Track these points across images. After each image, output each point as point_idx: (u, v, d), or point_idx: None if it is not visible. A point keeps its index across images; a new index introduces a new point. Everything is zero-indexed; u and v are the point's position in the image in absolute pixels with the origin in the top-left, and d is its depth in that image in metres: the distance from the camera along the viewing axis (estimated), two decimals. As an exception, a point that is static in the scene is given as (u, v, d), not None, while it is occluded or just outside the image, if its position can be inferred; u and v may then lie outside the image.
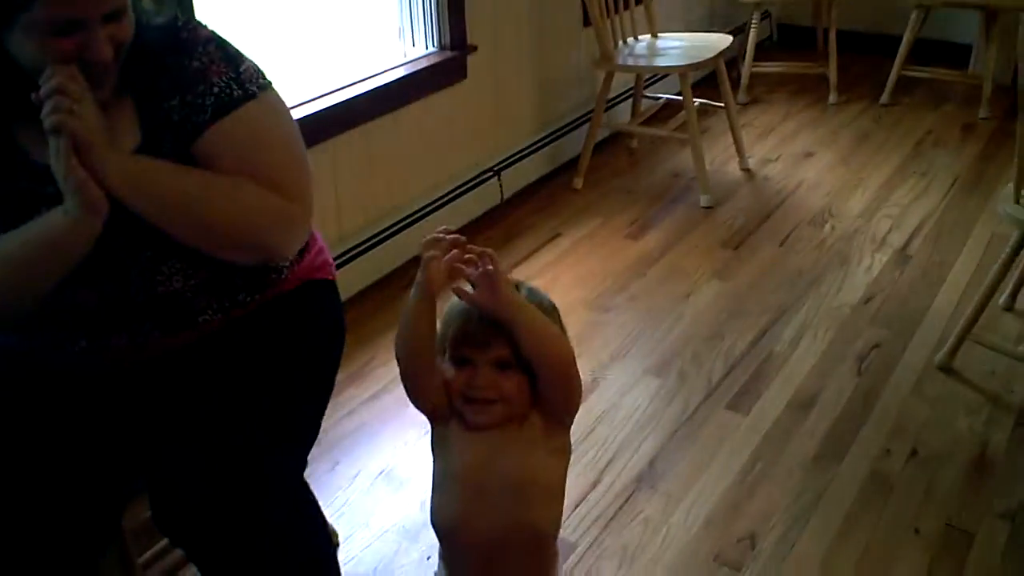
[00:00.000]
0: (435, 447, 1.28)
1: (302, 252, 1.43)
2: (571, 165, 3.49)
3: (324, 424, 2.17)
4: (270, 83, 1.34)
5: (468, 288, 1.17)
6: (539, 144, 3.42)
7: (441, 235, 1.19)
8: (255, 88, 1.30)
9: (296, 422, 1.35)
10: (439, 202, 2.99)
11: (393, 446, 2.17)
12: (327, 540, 1.40)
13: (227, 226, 1.25)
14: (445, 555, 1.34)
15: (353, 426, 2.24)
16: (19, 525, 1.20)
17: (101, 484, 1.28)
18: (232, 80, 1.28)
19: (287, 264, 1.39)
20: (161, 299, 1.27)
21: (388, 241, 2.79)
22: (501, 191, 3.24)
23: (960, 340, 2.32)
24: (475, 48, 2.96)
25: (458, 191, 3.07)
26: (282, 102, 1.36)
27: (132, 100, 1.26)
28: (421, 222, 2.88)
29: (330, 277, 1.51)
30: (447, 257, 1.16)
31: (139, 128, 1.26)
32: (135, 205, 1.18)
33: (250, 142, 1.29)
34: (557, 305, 1.29)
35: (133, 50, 1.23)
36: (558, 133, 3.50)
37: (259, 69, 1.33)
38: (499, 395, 1.19)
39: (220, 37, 1.32)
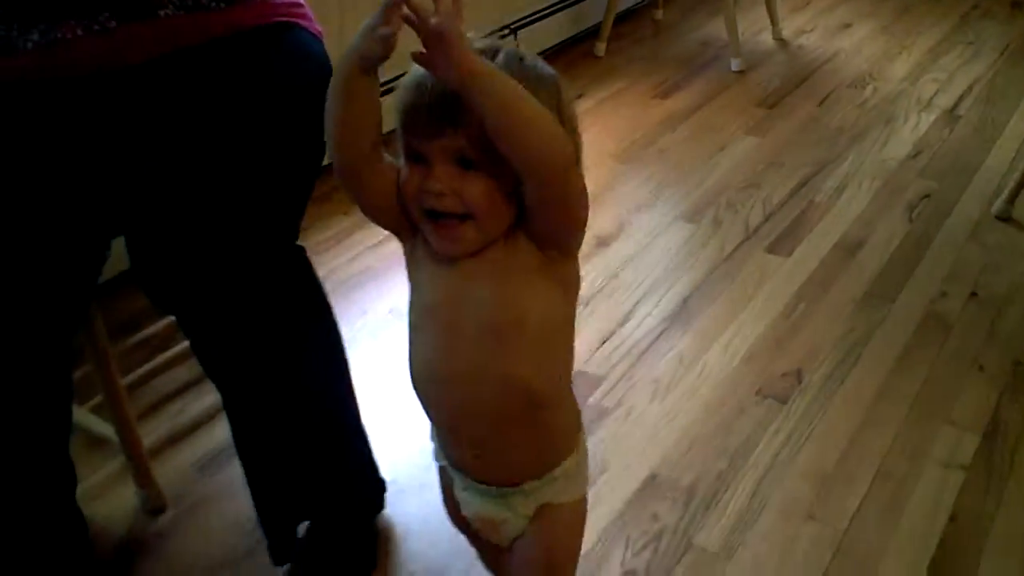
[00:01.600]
0: (409, 273, 0.95)
1: None
2: (593, 32, 3.26)
3: (331, 265, 2.06)
4: None
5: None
6: (560, 5, 3.19)
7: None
8: None
9: (286, 178, 1.17)
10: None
11: (402, 288, 1.99)
12: (324, 301, 1.25)
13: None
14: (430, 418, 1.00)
15: (359, 269, 2.06)
16: None
17: (66, 235, 1.10)
18: None
19: None
20: None
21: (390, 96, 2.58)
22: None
23: (1019, 188, 2.13)
24: None
25: (473, 49, 2.85)
26: None
27: None
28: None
29: (316, 31, 1.28)
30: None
31: None
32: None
33: None
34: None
35: None
36: (580, -4, 3.27)
37: None
38: (461, 204, 0.83)
39: None
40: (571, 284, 0.91)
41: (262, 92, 1.14)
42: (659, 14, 3.51)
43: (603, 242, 2.12)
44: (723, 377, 1.69)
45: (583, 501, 1.02)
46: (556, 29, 3.19)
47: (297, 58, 1.18)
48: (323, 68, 1.18)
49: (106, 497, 1.49)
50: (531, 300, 0.87)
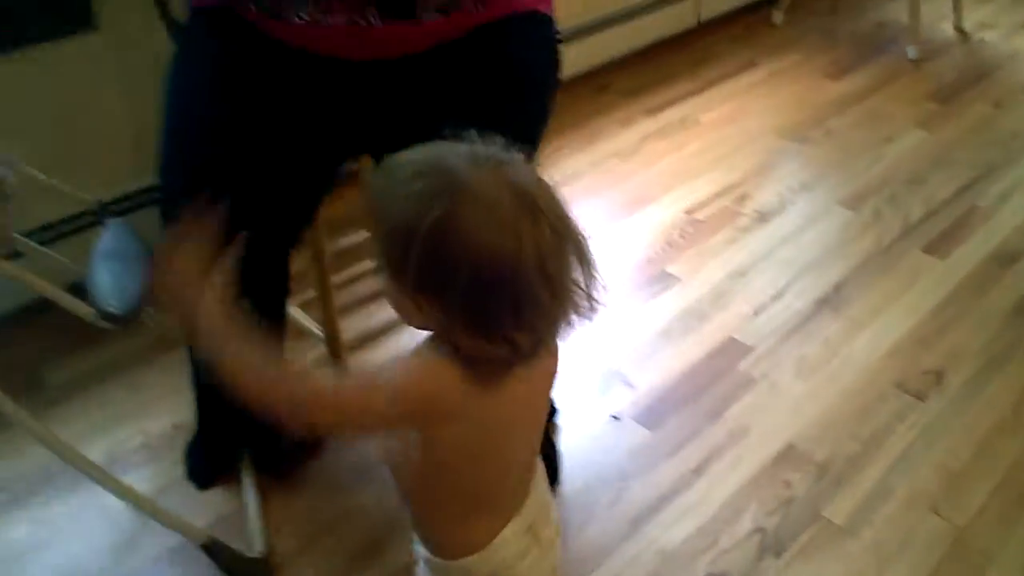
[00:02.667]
0: None
1: None
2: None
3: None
4: None
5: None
6: (743, -30, 3.22)
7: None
8: None
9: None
10: (626, 15, 2.84)
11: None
12: None
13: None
14: None
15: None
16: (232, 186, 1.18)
17: (308, 165, 1.26)
18: None
19: None
20: None
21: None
22: (699, 14, 3.07)
23: None
24: None
25: (651, 6, 2.92)
26: None
27: None
28: (606, 31, 2.76)
29: (550, 12, 1.42)
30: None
31: None
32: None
33: None
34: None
35: None
36: (764, -37, 3.28)
37: None
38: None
39: None
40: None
41: (508, 80, 1.27)
42: (840, -12, 3.49)
43: (763, 217, 2.20)
44: (866, 366, 1.78)
45: None
46: (739, -7, 3.22)
47: (537, 45, 1.32)
48: (556, 51, 1.33)
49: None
50: None
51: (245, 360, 0.80)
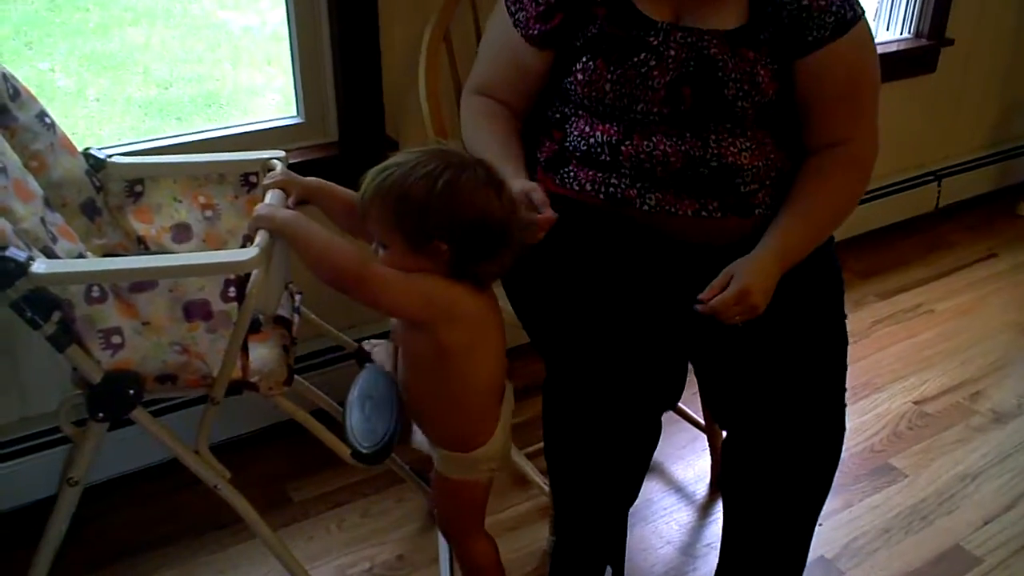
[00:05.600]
0: None
1: None
2: (1018, 189, 3.20)
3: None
4: (863, 9, 1.40)
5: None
6: (989, 159, 3.17)
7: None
8: (860, 10, 1.38)
9: (842, 359, 1.39)
10: (867, 195, 2.87)
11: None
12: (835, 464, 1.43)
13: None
14: None
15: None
16: (589, 374, 1.33)
17: (664, 328, 1.36)
18: (845, 1, 1.35)
19: None
20: (728, 170, 1.35)
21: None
22: (937, 198, 3.05)
23: None
24: (951, 42, 2.79)
25: (891, 188, 2.93)
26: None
27: None
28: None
29: None
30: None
31: (747, 10, 1.36)
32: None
33: (856, 65, 1.39)
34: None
35: None
36: (1012, 152, 3.22)
37: None
38: None
39: None
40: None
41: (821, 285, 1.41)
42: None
43: (999, 418, 2.12)
44: (1112, 596, 1.65)
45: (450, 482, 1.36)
46: (979, 181, 3.17)
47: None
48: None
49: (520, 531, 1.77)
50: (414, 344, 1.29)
51: (332, 243, 1.17)
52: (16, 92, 1.32)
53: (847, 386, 1.38)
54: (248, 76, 4.40)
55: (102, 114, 3.96)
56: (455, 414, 1.31)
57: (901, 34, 2.79)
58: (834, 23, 1.34)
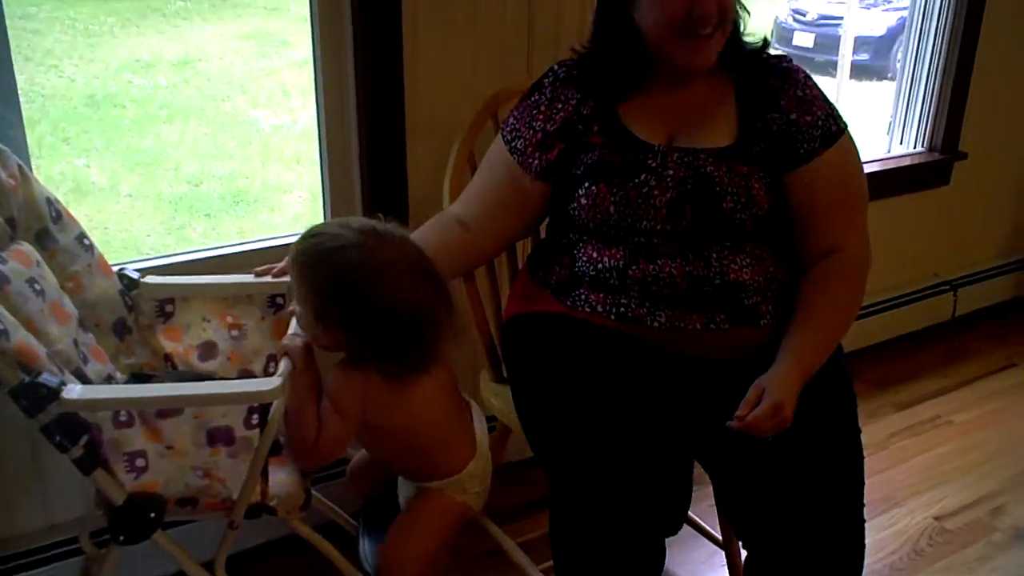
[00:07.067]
0: None
1: None
2: (1036, 298, 3.22)
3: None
4: (847, 123, 1.48)
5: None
6: (1006, 268, 3.19)
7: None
8: (844, 124, 1.46)
9: (859, 473, 1.40)
10: (882, 304, 2.89)
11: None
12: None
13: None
14: None
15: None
16: (600, 487, 1.33)
17: (670, 446, 1.37)
18: (829, 115, 1.45)
19: None
20: (731, 288, 1.40)
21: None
22: (954, 308, 3.06)
23: None
24: (964, 155, 2.84)
25: (906, 298, 2.95)
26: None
27: (734, 100, 1.45)
28: (859, 319, 2.79)
29: None
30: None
31: (736, 126, 1.43)
32: None
33: (844, 174, 1.46)
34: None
35: (735, 57, 1.44)
36: (1029, 261, 3.25)
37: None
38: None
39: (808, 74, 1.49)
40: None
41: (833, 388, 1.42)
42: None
43: (1021, 535, 2.09)
44: None
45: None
46: (995, 290, 3.19)
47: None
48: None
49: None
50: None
51: (306, 413, 1.29)
52: (58, 215, 1.38)
53: (865, 501, 1.39)
54: (277, 173, 4.53)
55: (134, 210, 4.08)
56: (423, 458, 1.41)
57: (915, 148, 2.84)
58: (821, 135, 1.43)
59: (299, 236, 1.29)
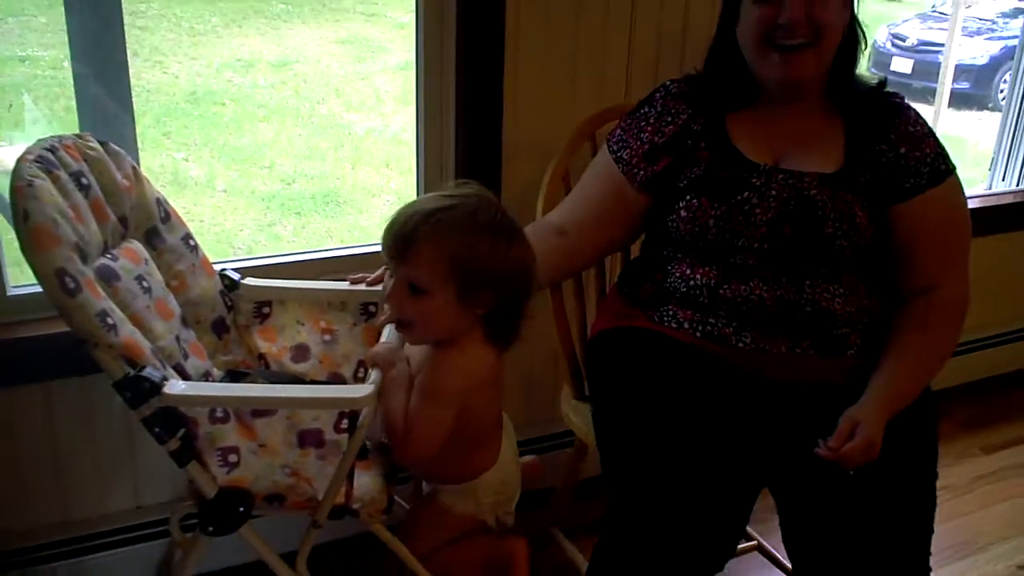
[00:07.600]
0: None
1: None
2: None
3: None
4: (955, 166, 1.47)
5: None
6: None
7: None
8: (952, 166, 1.45)
9: (930, 522, 1.37)
10: (976, 343, 2.81)
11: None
12: None
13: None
14: None
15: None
16: (666, 509, 1.31)
17: (733, 483, 1.36)
18: (939, 154, 1.44)
19: None
20: (822, 315, 1.39)
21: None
22: (1048, 349, 2.96)
23: None
24: (1070, 194, 2.75)
25: (1001, 338, 2.86)
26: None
27: (843, 128, 1.45)
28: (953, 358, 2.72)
29: None
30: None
31: (843, 153, 1.43)
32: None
33: (949, 214, 1.45)
34: None
35: (849, 86, 1.45)
36: None
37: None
38: (403, 315, 1.25)
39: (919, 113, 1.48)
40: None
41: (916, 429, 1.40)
42: None
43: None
44: None
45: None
46: None
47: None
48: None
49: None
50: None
51: (399, 409, 1.26)
52: (167, 215, 1.44)
53: (946, 545, 1.36)
54: (367, 176, 4.61)
55: (228, 204, 4.19)
56: (457, 448, 1.34)
57: (1018, 185, 2.76)
58: (929, 172, 1.42)
59: (394, 223, 1.23)
